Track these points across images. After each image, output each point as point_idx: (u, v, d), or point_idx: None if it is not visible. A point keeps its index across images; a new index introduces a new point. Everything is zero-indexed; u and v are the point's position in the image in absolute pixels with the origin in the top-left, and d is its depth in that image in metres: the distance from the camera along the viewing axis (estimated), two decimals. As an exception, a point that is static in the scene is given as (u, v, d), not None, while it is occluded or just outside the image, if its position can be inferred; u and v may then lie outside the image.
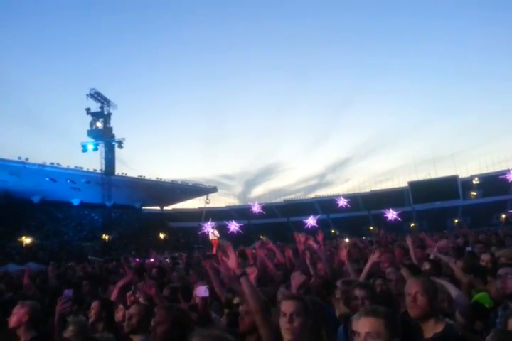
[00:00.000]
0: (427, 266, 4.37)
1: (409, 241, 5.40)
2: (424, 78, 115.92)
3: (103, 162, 39.53)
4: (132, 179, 47.70)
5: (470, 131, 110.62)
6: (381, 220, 47.72)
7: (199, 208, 56.35)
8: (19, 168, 37.10)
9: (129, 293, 4.40)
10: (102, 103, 39.91)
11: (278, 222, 56.86)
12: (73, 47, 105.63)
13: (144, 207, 56.52)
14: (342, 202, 51.72)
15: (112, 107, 40.88)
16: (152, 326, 2.77)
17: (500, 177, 47.69)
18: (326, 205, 57.50)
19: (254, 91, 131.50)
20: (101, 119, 39.53)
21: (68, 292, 3.34)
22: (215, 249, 18.82)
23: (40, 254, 33.65)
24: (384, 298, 3.33)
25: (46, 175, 40.03)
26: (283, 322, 2.22)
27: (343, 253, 4.60)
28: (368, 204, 56.47)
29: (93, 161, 41.65)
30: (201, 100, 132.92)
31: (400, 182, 60.80)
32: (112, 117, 40.79)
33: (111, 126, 40.42)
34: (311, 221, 45.99)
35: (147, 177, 49.80)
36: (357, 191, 63.03)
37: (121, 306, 3.88)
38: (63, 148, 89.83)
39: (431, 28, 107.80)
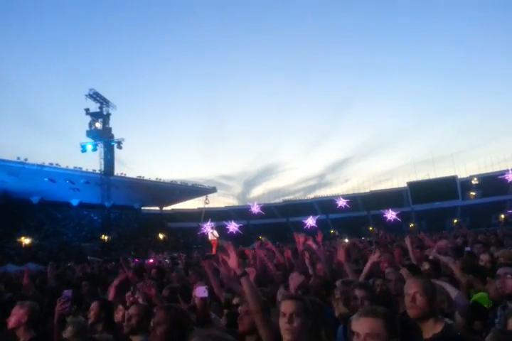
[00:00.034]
0: (426, 266, 4.38)
1: (407, 242, 5.40)
2: (424, 78, 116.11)
3: (102, 162, 39.52)
4: (131, 179, 47.70)
5: (469, 131, 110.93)
6: (380, 220, 47.78)
7: (198, 208, 56.29)
8: (18, 168, 37.08)
9: (128, 294, 4.40)
10: (101, 103, 39.90)
11: (277, 222, 56.86)
12: (72, 47, 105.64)
13: (143, 208, 56.51)
14: (341, 203, 51.75)
15: (111, 107, 40.92)
16: (151, 326, 2.76)
17: (499, 177, 47.74)
18: (325, 205, 57.50)
19: (254, 92, 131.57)
20: (100, 120, 39.52)
21: (67, 292, 3.34)
22: (214, 250, 18.83)
23: (39, 255, 33.62)
24: (383, 298, 3.33)
25: (45, 176, 40.01)
26: (282, 323, 2.22)
27: (341, 253, 4.60)
28: (367, 205, 56.51)
29: (92, 161, 41.67)
30: (200, 100, 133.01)
31: (399, 182, 60.96)
32: (111, 117, 40.85)
33: (110, 126, 40.43)
34: (310, 221, 46.01)
35: (146, 177, 49.88)
36: (356, 191, 63.08)
37: (120, 307, 3.87)
38: (62, 148, 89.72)
39: (430, 28, 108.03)
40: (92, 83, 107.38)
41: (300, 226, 43.49)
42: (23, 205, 40.47)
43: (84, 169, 42.80)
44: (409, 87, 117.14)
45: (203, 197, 54.04)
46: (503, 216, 44.99)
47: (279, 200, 66.79)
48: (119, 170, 44.83)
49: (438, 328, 2.31)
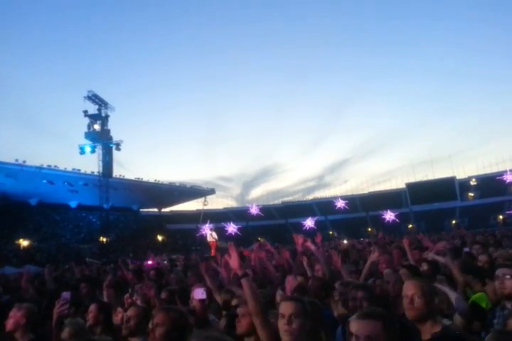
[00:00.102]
0: (425, 266, 4.38)
1: (405, 243, 5.40)
2: (423, 80, 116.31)
3: (101, 164, 39.48)
4: (130, 181, 47.63)
5: (468, 132, 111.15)
6: (379, 221, 47.78)
7: (197, 210, 56.28)
8: (16, 170, 37.01)
9: (126, 296, 4.39)
10: (100, 105, 39.87)
11: (276, 223, 56.84)
12: (71, 49, 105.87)
13: (141, 209, 56.45)
14: (340, 204, 51.72)
15: (110, 109, 40.90)
16: (150, 328, 2.75)
17: (498, 178, 47.80)
18: (324, 207, 57.47)
19: (253, 93, 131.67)
20: (98, 121, 39.49)
21: (66, 294, 3.33)
22: (213, 251, 18.80)
23: (37, 257, 33.55)
24: (382, 299, 3.33)
25: (44, 178, 39.95)
26: (281, 324, 2.22)
27: (336, 260, 4.60)
28: (366, 206, 56.52)
29: (91, 163, 41.67)
30: (199, 102, 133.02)
31: (398, 183, 61.00)
32: (110, 119, 40.82)
33: (108, 128, 40.40)
34: (309, 222, 46.02)
35: (145, 179, 49.75)
36: (355, 192, 63.18)
37: (119, 309, 3.87)
38: (61, 150, 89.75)
39: (430, 29, 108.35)
40: (90, 85, 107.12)
41: (299, 228, 43.47)
42: (22, 207, 40.38)
43: (82, 171, 42.77)
44: (408, 88, 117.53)
45: (202, 199, 54.06)
46: (501, 217, 45.05)
47: (277, 202, 66.83)
48: (117, 171, 44.85)
49: (436, 330, 2.31)
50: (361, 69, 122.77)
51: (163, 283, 5.87)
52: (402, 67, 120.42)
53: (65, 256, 33.53)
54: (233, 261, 2.73)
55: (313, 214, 51.59)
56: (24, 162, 37.50)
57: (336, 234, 46.37)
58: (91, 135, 38.86)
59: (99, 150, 39.01)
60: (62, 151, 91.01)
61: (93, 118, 39.25)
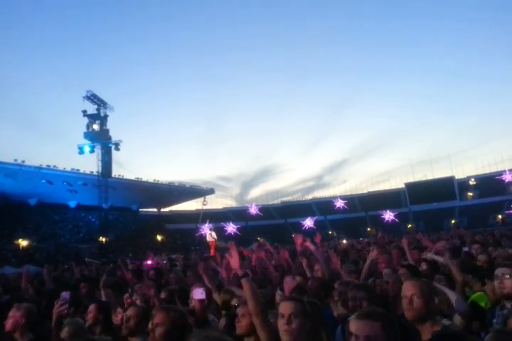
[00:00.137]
0: (424, 266, 4.38)
1: (404, 243, 5.40)
2: (423, 80, 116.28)
3: (100, 164, 39.47)
4: (129, 181, 47.60)
5: (467, 132, 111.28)
6: (378, 221, 47.82)
7: (196, 210, 56.29)
8: (15, 170, 36.95)
9: (126, 296, 4.39)
10: (99, 105, 39.86)
11: (275, 223, 56.87)
12: (70, 49, 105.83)
13: (140, 209, 56.41)
14: (339, 204, 51.76)
15: (109, 109, 40.89)
16: (150, 328, 2.75)
17: (497, 178, 47.89)
18: (323, 206, 57.51)
19: (253, 93, 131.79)
20: (97, 121, 39.49)
21: (66, 294, 3.33)
22: (212, 251, 18.81)
23: (36, 257, 33.52)
24: (382, 299, 3.33)
25: (43, 178, 39.89)
26: (281, 324, 2.22)
27: (335, 261, 4.60)
28: (365, 206, 56.55)
29: (90, 163, 41.64)
30: (199, 102, 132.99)
31: (397, 183, 61.06)
32: (109, 119, 40.82)
33: (107, 128, 40.39)
34: (308, 222, 46.05)
35: (144, 179, 49.72)
36: (354, 192, 63.20)
37: (119, 309, 3.87)
38: (60, 150, 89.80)
39: (430, 29, 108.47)
40: (89, 85, 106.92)
41: (298, 228, 43.48)
42: (21, 207, 40.33)
43: (81, 171, 42.73)
44: (408, 88, 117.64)
45: (201, 199, 54.06)
46: (500, 216, 45.14)
47: (277, 201, 66.84)
48: (116, 171, 44.85)
49: (436, 330, 2.31)
50: (361, 69, 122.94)
51: (163, 283, 5.88)
52: (402, 67, 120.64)
53: (64, 256, 33.50)
54: (234, 260, 2.73)
55: (312, 214, 51.61)
56: (23, 162, 37.47)
57: (335, 234, 46.39)
58: (90, 135, 38.85)
59: (98, 150, 39.00)
60: (61, 151, 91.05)
61: (92, 118, 39.25)
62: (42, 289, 6.66)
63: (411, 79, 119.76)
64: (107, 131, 40.14)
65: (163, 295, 4.20)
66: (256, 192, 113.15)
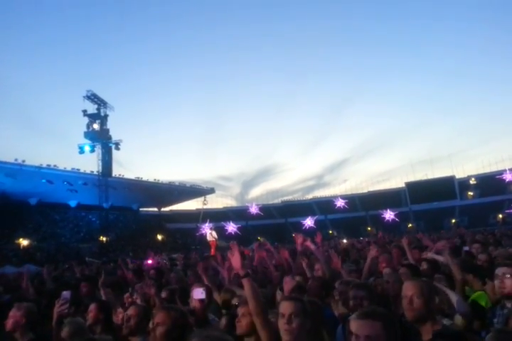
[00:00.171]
0: (424, 265, 4.38)
1: (404, 243, 5.40)
2: (423, 79, 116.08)
3: (100, 163, 39.50)
4: (129, 180, 47.59)
5: (467, 132, 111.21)
6: (379, 221, 47.82)
7: (197, 209, 56.31)
8: (16, 169, 36.94)
9: (126, 295, 4.40)
10: (99, 105, 39.87)
11: (276, 223, 56.89)
12: (70, 48, 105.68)
13: (141, 209, 56.41)
14: (340, 203, 51.75)
15: (109, 109, 40.91)
16: (151, 327, 2.75)
17: (497, 177, 47.84)
18: (323, 206, 57.50)
19: (253, 93, 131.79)
20: (98, 121, 39.50)
21: (66, 294, 3.33)
22: (213, 250, 18.81)
23: (37, 256, 33.53)
24: (383, 299, 3.33)
25: (43, 177, 39.89)
26: (281, 323, 2.22)
27: (336, 261, 4.60)
28: (366, 205, 56.55)
29: (90, 163, 41.64)
30: (199, 101, 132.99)
31: (397, 182, 61.05)
32: (109, 119, 40.84)
33: (108, 127, 40.40)
34: (308, 222, 46.01)
35: (144, 178, 49.69)
36: (354, 192, 63.14)
37: (120, 309, 3.87)
38: (60, 149, 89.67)
39: (430, 29, 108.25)
40: (89, 84, 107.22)
41: (298, 227, 43.46)
42: (21, 207, 40.34)
43: (82, 170, 42.69)
44: (408, 88, 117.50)
45: (202, 198, 54.12)
46: (500, 216, 45.13)
47: (277, 201, 66.85)
48: (117, 171, 44.84)
49: (436, 329, 2.31)
50: (361, 69, 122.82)
51: (163, 283, 5.88)
52: (402, 67, 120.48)
53: (64, 255, 33.52)
54: (235, 260, 2.72)
55: (312, 214, 51.58)
56: (23, 161, 37.45)
57: (335, 234, 46.40)
58: (90, 134, 38.86)
59: (98, 149, 39.03)
60: (62, 151, 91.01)
61: (92, 117, 39.26)
62: (42, 289, 6.67)
63: (411, 78, 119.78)
64: (107, 130, 40.16)
65: (163, 294, 4.20)
66: (256, 192, 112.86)
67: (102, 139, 39.00)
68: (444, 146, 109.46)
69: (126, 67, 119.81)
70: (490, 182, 50.23)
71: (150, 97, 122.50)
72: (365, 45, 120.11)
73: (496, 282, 2.82)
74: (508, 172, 46.89)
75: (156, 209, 59.07)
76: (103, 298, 4.47)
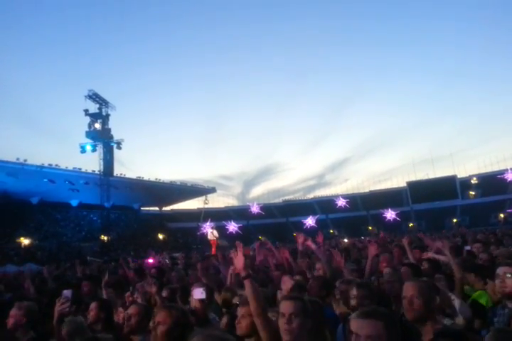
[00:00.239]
0: (425, 265, 4.38)
1: (405, 242, 5.40)
2: (423, 79, 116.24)
3: (101, 163, 39.56)
4: (131, 180, 47.66)
5: (469, 131, 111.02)
6: (380, 220, 47.79)
7: (198, 209, 56.32)
8: (17, 169, 37.03)
9: (127, 294, 4.40)
10: (100, 104, 39.91)
11: (277, 222, 56.87)
12: (71, 48, 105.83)
13: (142, 208, 56.46)
14: (341, 202, 51.76)
15: (111, 108, 40.97)
16: (152, 326, 2.75)
17: (499, 176, 47.76)
18: (324, 205, 57.50)
19: (253, 92, 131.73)
20: (99, 120, 39.56)
21: (67, 292, 3.33)
22: (214, 249, 18.84)
23: (38, 255, 33.59)
24: (384, 298, 3.33)
25: (45, 176, 39.97)
26: (281, 323, 2.22)
27: (339, 259, 4.59)
28: (367, 204, 56.52)
29: (92, 162, 41.77)
30: (200, 101, 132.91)
31: (399, 182, 61.00)
32: (111, 118, 40.93)
33: (109, 127, 40.47)
34: (310, 221, 46.02)
35: (146, 178, 49.80)
36: (356, 191, 63.09)
37: (121, 309, 3.87)
38: (62, 149, 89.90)
39: (430, 29, 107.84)
40: (91, 84, 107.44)
41: (300, 226, 43.49)
42: (23, 206, 40.43)
43: (83, 170, 42.76)
44: (409, 88, 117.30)
45: (203, 198, 54.14)
46: (502, 215, 45.08)
47: (278, 200, 66.83)
48: (118, 170, 44.99)
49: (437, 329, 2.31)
50: (362, 68, 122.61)
51: (165, 282, 5.88)
52: (402, 67, 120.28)
53: (66, 254, 33.59)
54: (238, 260, 2.71)
55: (314, 213, 51.58)
56: (25, 161, 37.55)
57: (336, 233, 46.40)
58: (92, 134, 38.91)
59: (100, 149, 39.10)
60: (63, 150, 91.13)
61: (94, 117, 39.32)
62: (43, 288, 6.68)
63: (412, 78, 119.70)
64: (109, 130, 40.22)
65: (164, 293, 4.20)
66: (257, 191, 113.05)
67: (103, 138, 39.05)
68: (446, 146, 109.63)
69: (128, 67, 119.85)
70: (491, 182, 50.16)
71: (151, 97, 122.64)
72: (365, 45, 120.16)
73: (497, 281, 2.81)
74: (509, 171, 46.81)
75: (157, 208, 59.14)
76: (105, 297, 4.47)
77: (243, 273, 2.59)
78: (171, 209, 60.39)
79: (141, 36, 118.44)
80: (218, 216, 47.08)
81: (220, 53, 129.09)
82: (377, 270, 4.80)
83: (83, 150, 38.01)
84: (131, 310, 3.14)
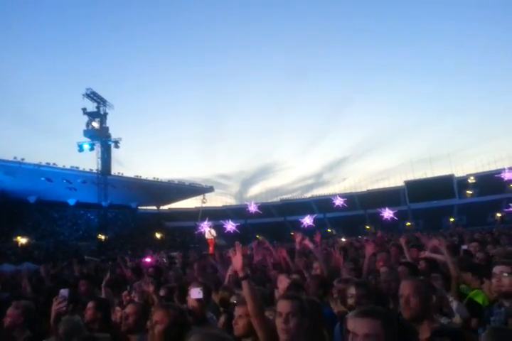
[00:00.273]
0: (422, 264, 4.39)
1: (402, 241, 5.41)
2: (422, 79, 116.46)
3: (99, 162, 39.46)
4: (128, 179, 47.60)
5: (466, 131, 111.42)
6: (377, 219, 47.88)
7: (195, 208, 56.35)
8: (15, 167, 36.94)
9: (124, 293, 4.40)
10: (98, 103, 39.79)
11: (275, 221, 56.90)
12: (70, 47, 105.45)
13: (140, 207, 56.42)
14: (338, 202, 51.86)
15: (108, 107, 40.83)
16: (149, 325, 2.75)
17: (496, 176, 47.94)
18: (322, 204, 57.56)
19: (253, 91, 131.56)
20: (97, 119, 39.44)
21: (64, 291, 3.32)
22: (211, 249, 18.83)
23: (35, 254, 33.53)
24: (381, 297, 3.34)
25: (42, 175, 39.89)
26: (279, 323, 2.21)
27: (338, 258, 4.60)
28: (365, 204, 56.59)
29: (89, 161, 41.78)
30: (199, 100, 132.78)
31: (396, 181, 61.14)
32: (108, 117, 40.78)
33: (107, 125, 40.35)
34: (307, 220, 46.08)
35: (143, 176, 49.76)
36: (353, 190, 63.15)
37: (118, 308, 3.87)
38: (59, 148, 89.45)
39: (430, 28, 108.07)
40: (89, 83, 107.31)
41: (297, 225, 43.53)
42: (20, 205, 40.34)
43: (81, 168, 42.74)
44: (407, 87, 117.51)
45: (200, 197, 54.23)
46: (499, 214, 45.19)
47: (276, 199, 66.93)
48: (116, 169, 44.87)
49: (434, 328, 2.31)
50: (361, 68, 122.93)
51: (162, 281, 5.88)
52: (401, 66, 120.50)
53: (63, 253, 33.53)
54: (237, 261, 2.70)
55: (311, 212, 51.63)
56: (23, 159, 37.47)
57: (334, 232, 46.47)
58: (89, 132, 38.80)
59: (97, 147, 38.98)
60: (61, 149, 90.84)
61: (92, 115, 39.20)
62: (40, 287, 6.67)
63: (411, 77, 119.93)
64: (107, 128, 40.11)
65: (162, 292, 4.20)
66: (255, 190, 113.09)
67: (101, 137, 38.95)
68: (444, 145, 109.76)
69: (126, 66, 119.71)
70: (489, 181, 50.30)
71: (149, 95, 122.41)
72: (365, 44, 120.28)
73: (494, 281, 2.82)
74: (506, 171, 46.99)
75: (155, 207, 59.09)
76: (103, 296, 4.46)
77: (241, 274, 2.58)
78: (169, 208, 60.36)
79: (140, 35, 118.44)
80: (216, 215, 47.07)
81: (219, 52, 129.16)
82: (374, 269, 4.81)
83: (81, 149, 37.91)
84: (129, 309, 3.14)
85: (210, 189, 59.15)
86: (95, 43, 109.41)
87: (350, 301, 2.95)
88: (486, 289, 3.41)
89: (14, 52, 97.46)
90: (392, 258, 5.34)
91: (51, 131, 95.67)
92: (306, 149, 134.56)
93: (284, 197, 69.01)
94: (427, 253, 4.85)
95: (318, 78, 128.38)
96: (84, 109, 38.85)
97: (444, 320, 2.69)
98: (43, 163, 39.52)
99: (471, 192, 54.85)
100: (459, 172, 57.02)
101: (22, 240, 34.88)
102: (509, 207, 42.87)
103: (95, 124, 39.11)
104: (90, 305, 3.52)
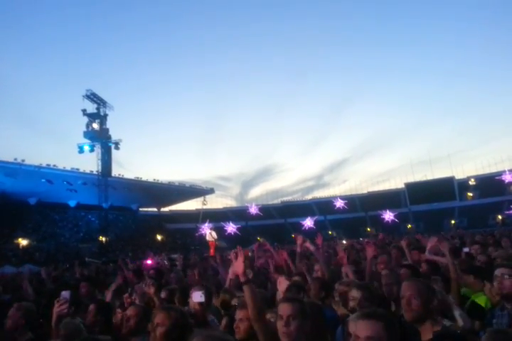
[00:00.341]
0: (424, 266, 4.38)
1: (403, 244, 5.40)
2: (423, 80, 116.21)
3: (100, 163, 39.48)
4: (129, 180, 47.59)
5: (467, 132, 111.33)
6: (378, 221, 47.82)
7: (196, 209, 56.31)
8: (15, 169, 36.94)
9: (125, 295, 4.39)
10: (98, 104, 39.83)
11: (275, 223, 56.86)
12: (70, 48, 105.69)
13: (140, 209, 56.40)
14: (339, 204, 51.80)
15: (109, 108, 40.90)
16: (151, 328, 2.75)
17: (497, 178, 47.90)
18: (323, 206, 57.50)
19: (253, 93, 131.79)
20: (97, 120, 39.48)
21: (66, 293, 3.32)
22: (212, 250, 18.82)
23: (36, 256, 33.52)
24: (383, 300, 3.33)
25: (42, 177, 39.89)
26: (279, 326, 2.21)
27: (343, 257, 4.58)
28: (365, 206, 56.54)
29: (90, 163, 41.82)
30: (199, 101, 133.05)
31: (397, 183, 61.08)
32: (109, 118, 40.85)
33: (107, 127, 40.38)
34: (308, 222, 46.04)
35: (144, 178, 49.73)
36: (354, 192, 63.15)
37: (119, 310, 3.86)
38: (60, 149, 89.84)
39: (430, 29, 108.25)
40: (89, 84, 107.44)
41: (298, 227, 43.51)
42: (21, 206, 40.32)
43: (81, 170, 42.72)
44: (408, 88, 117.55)
45: (201, 198, 54.15)
46: (500, 217, 45.10)
47: (277, 201, 66.84)
48: (116, 171, 44.89)
49: (437, 330, 2.31)
50: (361, 69, 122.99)
51: (163, 283, 5.87)
52: (402, 67, 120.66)
53: (64, 255, 33.52)
54: (238, 265, 2.69)
55: (312, 214, 51.61)
56: (23, 161, 37.47)
57: (335, 234, 46.41)
58: (90, 134, 38.83)
59: (98, 149, 39.01)
60: (61, 150, 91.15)
61: (92, 117, 39.24)
62: (41, 289, 6.67)
63: (411, 79, 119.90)
64: (107, 130, 40.14)
65: (163, 294, 4.20)
66: (256, 192, 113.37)
67: (101, 139, 38.97)
68: (444, 147, 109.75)
69: (126, 67, 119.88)
70: (489, 183, 50.23)
71: (150, 97, 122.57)
72: (365, 45, 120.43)
73: (495, 283, 2.82)
74: (507, 173, 46.96)
75: (155, 209, 59.08)
76: (107, 299, 4.45)
77: (242, 279, 2.57)
78: (170, 210, 60.34)
79: (140, 35, 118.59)
80: (217, 217, 47.07)
81: (219, 53, 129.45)
82: (375, 271, 4.79)
83: (81, 150, 37.94)
84: (130, 311, 3.14)
85: (211, 191, 59.16)
86: (95, 44, 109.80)
87: (352, 303, 2.95)
88: (487, 292, 3.41)
89: (14, 52, 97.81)
90: (393, 260, 5.32)
91: (51, 133, 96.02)
92: (307, 151, 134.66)
93: (285, 199, 69.19)
94: (426, 255, 4.84)
95: (319, 79, 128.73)
96: (84, 110, 38.90)
97: (446, 322, 2.68)
98: (44, 165, 39.52)
99: (471, 195, 54.76)
100: (459, 174, 57.06)
101: (23, 242, 34.87)
102: (510, 209, 42.82)
103: (95, 126, 39.15)
104: (92, 307, 3.52)
